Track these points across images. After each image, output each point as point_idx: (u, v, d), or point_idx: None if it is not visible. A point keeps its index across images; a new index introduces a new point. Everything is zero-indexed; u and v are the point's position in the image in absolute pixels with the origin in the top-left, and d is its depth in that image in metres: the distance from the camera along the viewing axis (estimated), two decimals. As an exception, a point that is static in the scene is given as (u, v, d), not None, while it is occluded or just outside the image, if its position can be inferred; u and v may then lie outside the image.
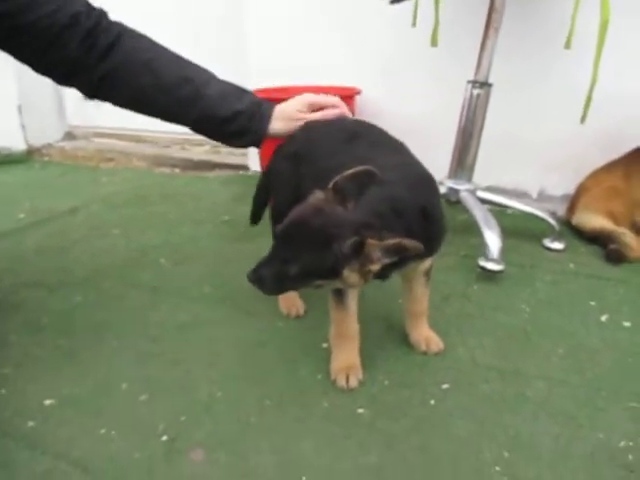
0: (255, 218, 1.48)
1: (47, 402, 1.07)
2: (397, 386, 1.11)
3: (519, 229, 1.94)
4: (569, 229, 1.92)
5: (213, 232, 1.97)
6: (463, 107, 1.75)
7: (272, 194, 1.32)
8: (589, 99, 1.59)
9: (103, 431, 0.99)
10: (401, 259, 0.90)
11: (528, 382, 1.12)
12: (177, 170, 2.93)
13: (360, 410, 1.04)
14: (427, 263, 1.13)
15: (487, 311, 1.40)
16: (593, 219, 1.84)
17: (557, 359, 1.20)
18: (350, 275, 0.92)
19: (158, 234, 1.94)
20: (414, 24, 1.77)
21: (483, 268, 1.53)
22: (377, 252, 0.89)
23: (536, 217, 1.85)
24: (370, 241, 0.88)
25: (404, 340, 1.26)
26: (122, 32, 1.20)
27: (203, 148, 3.14)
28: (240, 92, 1.27)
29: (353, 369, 1.11)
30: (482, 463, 0.91)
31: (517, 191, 2.21)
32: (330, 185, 0.95)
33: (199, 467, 0.91)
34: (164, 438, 0.97)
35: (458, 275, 1.59)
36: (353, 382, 1.09)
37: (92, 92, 1.24)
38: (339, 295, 1.11)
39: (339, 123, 1.24)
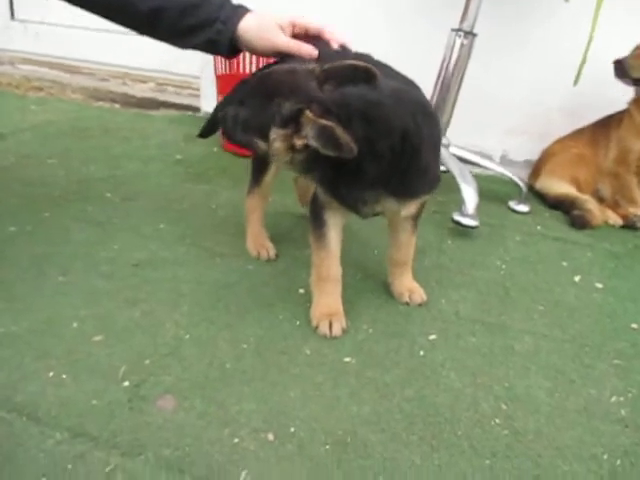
0: (207, 131, 1.30)
1: (-22, 340, 0.89)
2: (383, 335, 1.03)
3: (484, 191, 1.88)
4: (532, 193, 1.91)
5: (164, 170, 1.79)
6: (445, 57, 1.66)
7: None
8: (584, 59, 1.56)
9: (51, 374, 0.84)
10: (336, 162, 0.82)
11: (514, 336, 1.08)
12: (117, 106, 2.66)
13: (347, 359, 0.95)
14: (411, 208, 1.02)
15: (464, 266, 1.35)
16: (557, 185, 1.84)
17: (538, 315, 1.17)
18: (275, 140, 0.85)
19: (101, 168, 1.73)
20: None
21: (458, 223, 1.47)
22: (309, 128, 0.80)
23: (502, 179, 1.83)
24: (308, 113, 0.80)
25: (384, 289, 1.18)
26: None
27: (147, 85, 2.88)
28: None
29: (336, 315, 1.02)
30: (481, 415, 0.85)
31: (480, 154, 2.17)
32: (324, 66, 0.86)
33: (170, 415, 0.79)
34: (126, 384, 0.84)
35: (431, 230, 1.53)
36: (337, 330, 1.00)
37: None
38: (321, 235, 1.01)
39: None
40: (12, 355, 0.87)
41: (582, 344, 1.08)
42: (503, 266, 1.37)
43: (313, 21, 1.11)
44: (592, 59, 1.63)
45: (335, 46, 1.08)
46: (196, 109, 2.63)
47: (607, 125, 1.82)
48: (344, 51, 1.07)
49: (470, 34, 1.61)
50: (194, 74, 2.78)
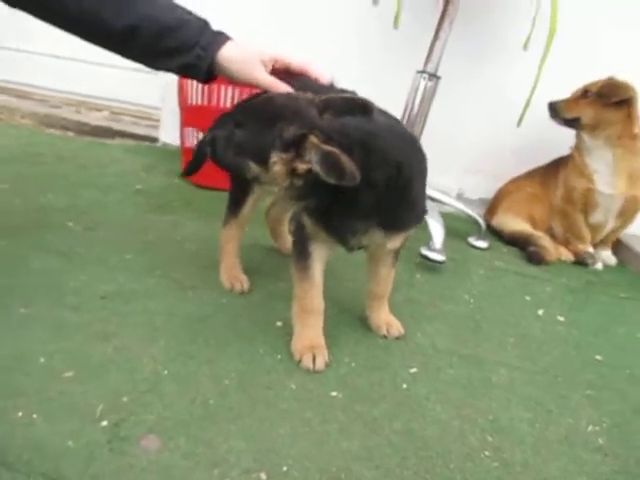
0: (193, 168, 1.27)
1: None
2: (365, 369, 1.02)
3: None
4: (488, 230, 1.98)
5: (125, 200, 1.74)
6: (409, 98, 1.72)
7: None
8: (528, 103, 1.67)
9: (20, 414, 0.77)
10: (335, 192, 0.83)
11: (490, 368, 1.10)
12: (70, 133, 2.58)
13: (333, 393, 0.93)
14: (397, 241, 1.04)
15: (434, 299, 1.37)
16: (513, 222, 1.93)
17: (510, 347, 1.20)
18: (276, 163, 0.84)
19: (60, 196, 1.65)
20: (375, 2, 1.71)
21: (426, 257, 1.50)
22: (313, 153, 0.80)
23: (460, 216, 1.90)
24: (313, 138, 0.80)
25: (361, 322, 1.19)
26: None
27: (101, 113, 2.81)
28: (186, 10, 1.07)
29: (319, 349, 1.00)
30: (470, 448, 0.85)
31: (438, 191, 2.24)
32: (323, 97, 0.88)
33: (155, 456, 0.74)
34: (104, 423, 0.78)
35: (400, 264, 1.52)
36: (320, 364, 0.98)
37: None
38: (305, 267, 1.01)
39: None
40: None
41: (554, 375, 1.11)
42: (471, 300, 1.40)
43: (295, 59, 1.12)
44: (540, 103, 1.75)
45: (323, 82, 1.10)
46: (153, 139, 2.59)
47: (556, 166, 1.94)
48: (330, 88, 1.09)
49: (434, 76, 1.68)
50: (152, 104, 2.75)
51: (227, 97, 1.91)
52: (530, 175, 2.00)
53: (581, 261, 1.83)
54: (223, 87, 1.87)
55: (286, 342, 1.05)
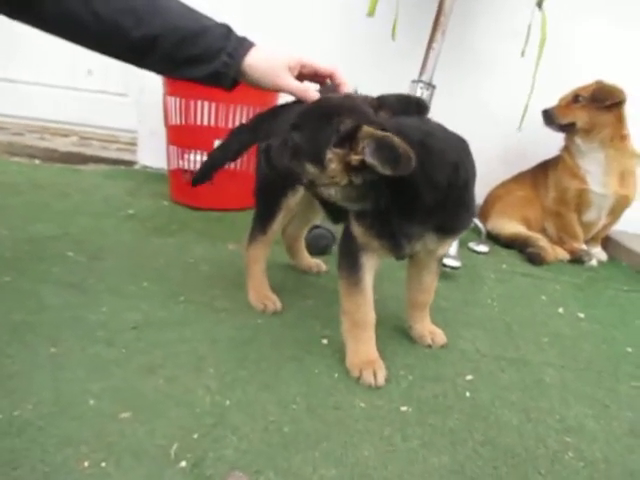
0: (204, 177, 1.25)
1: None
2: (423, 380, 0.99)
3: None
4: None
5: (120, 226, 1.65)
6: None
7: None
8: (526, 107, 1.71)
9: (87, 464, 0.70)
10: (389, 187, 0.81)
11: (539, 369, 1.09)
12: (37, 161, 2.45)
13: (403, 408, 0.90)
14: (446, 246, 1.04)
15: (459, 306, 1.37)
16: (509, 225, 1.96)
17: (547, 347, 1.20)
18: (332, 160, 0.81)
19: (49, 225, 1.55)
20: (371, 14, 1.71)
21: (444, 265, 1.50)
22: (366, 142, 0.77)
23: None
24: (365, 127, 0.78)
25: (400, 333, 1.16)
26: None
27: (69, 139, 2.69)
28: (196, 10, 1.03)
29: (377, 364, 0.97)
30: (553, 451, 0.84)
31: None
32: (377, 96, 0.87)
33: (247, 494, 0.68)
34: (183, 464, 0.72)
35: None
36: (381, 379, 0.95)
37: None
38: (358, 280, 0.97)
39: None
40: (27, 446, 0.72)
41: (597, 371, 1.12)
42: (494, 303, 1.41)
43: (323, 63, 1.09)
44: (520, 111, 1.81)
45: (347, 90, 1.07)
46: (128, 163, 2.50)
47: (545, 169, 2.00)
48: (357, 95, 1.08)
49: (430, 85, 1.70)
50: (120, 127, 2.66)
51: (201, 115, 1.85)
52: (518, 179, 2.05)
53: (577, 259, 1.88)
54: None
55: (337, 359, 1.01)
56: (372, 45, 2.05)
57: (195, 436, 0.77)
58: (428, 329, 1.13)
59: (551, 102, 1.90)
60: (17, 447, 0.71)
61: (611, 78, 1.81)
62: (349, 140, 0.79)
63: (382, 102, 0.85)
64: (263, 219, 1.17)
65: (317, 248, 1.55)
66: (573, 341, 1.25)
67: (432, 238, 0.94)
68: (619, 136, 1.78)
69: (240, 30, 1.04)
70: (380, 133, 0.77)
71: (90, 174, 2.29)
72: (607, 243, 2.04)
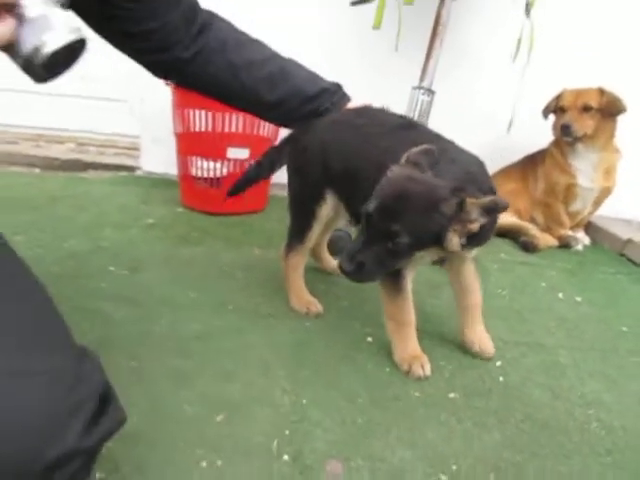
0: (238, 189, 1.38)
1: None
2: (462, 368, 1.14)
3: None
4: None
5: (144, 236, 1.73)
6: (408, 113, 1.85)
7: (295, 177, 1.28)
8: (513, 112, 1.86)
9: (204, 464, 0.81)
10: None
11: (553, 351, 1.25)
12: (37, 170, 2.47)
13: (451, 395, 1.04)
14: (475, 249, 1.18)
15: (474, 297, 1.51)
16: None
17: (555, 331, 1.37)
18: (453, 237, 0.94)
19: (80, 240, 1.62)
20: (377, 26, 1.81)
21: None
22: (475, 211, 0.91)
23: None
24: (470, 200, 0.90)
25: (429, 326, 1.30)
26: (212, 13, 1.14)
27: (65, 146, 2.71)
28: (315, 73, 1.24)
29: (422, 357, 1.11)
30: (580, 422, 1.00)
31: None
32: (403, 159, 0.97)
33: (345, 478, 0.81)
34: (285, 457, 0.84)
35: (423, 268, 1.68)
36: (428, 370, 1.09)
37: (179, 68, 1.12)
38: (402, 286, 1.10)
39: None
40: (143, 452, 0.82)
41: (601, 350, 1.29)
42: (504, 293, 1.56)
43: None
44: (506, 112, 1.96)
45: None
46: (129, 168, 2.54)
47: (533, 162, 2.16)
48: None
49: (430, 91, 1.83)
50: (116, 131, 2.70)
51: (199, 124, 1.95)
52: (507, 173, 2.21)
53: (565, 244, 2.06)
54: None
55: (384, 355, 1.14)
56: (378, 55, 2.15)
57: (287, 432, 0.89)
58: (479, 336, 1.20)
59: (539, 103, 2.05)
60: (141, 453, 0.82)
61: (598, 78, 1.96)
62: (457, 214, 0.91)
63: (412, 161, 0.96)
64: (300, 229, 1.28)
65: (337, 249, 1.67)
66: (575, 324, 1.41)
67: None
68: (611, 137, 1.96)
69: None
70: (484, 201, 0.89)
71: (96, 182, 2.33)
72: (589, 228, 2.23)
